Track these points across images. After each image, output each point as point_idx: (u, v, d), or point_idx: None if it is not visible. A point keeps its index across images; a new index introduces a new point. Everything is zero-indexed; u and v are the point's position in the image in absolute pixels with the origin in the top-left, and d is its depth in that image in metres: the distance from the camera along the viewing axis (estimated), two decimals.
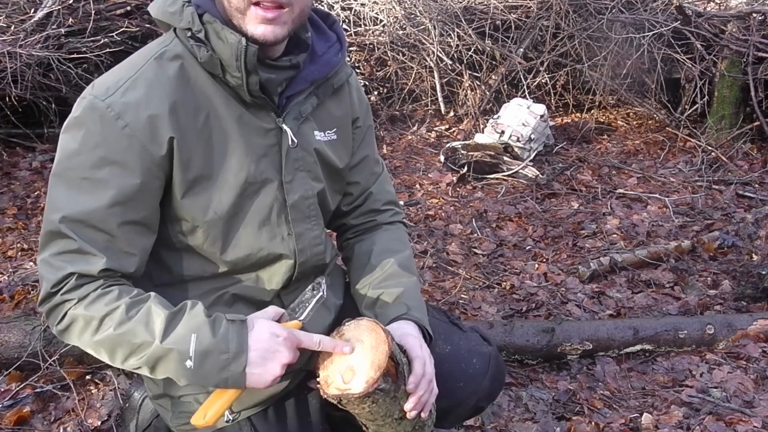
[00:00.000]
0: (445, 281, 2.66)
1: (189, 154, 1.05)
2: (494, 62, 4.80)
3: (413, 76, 4.82)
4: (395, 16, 4.77)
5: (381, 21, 4.79)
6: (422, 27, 4.72)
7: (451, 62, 4.70)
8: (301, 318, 1.13)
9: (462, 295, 2.55)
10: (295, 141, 1.14)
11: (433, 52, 4.62)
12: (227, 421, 1.15)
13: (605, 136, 4.60)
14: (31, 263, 2.59)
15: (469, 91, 4.74)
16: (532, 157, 3.97)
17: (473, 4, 4.75)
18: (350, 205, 1.37)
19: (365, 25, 4.79)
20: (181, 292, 1.17)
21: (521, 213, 3.37)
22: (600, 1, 4.46)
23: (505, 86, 4.73)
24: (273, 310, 1.10)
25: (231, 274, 1.18)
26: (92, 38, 3.41)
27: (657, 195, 3.56)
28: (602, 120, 4.87)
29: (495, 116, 4.19)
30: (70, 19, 3.37)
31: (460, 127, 4.65)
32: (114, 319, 1.01)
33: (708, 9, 4.48)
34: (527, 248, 3.01)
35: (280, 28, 1.03)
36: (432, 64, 4.69)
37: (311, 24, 1.17)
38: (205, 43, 1.03)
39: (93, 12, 3.37)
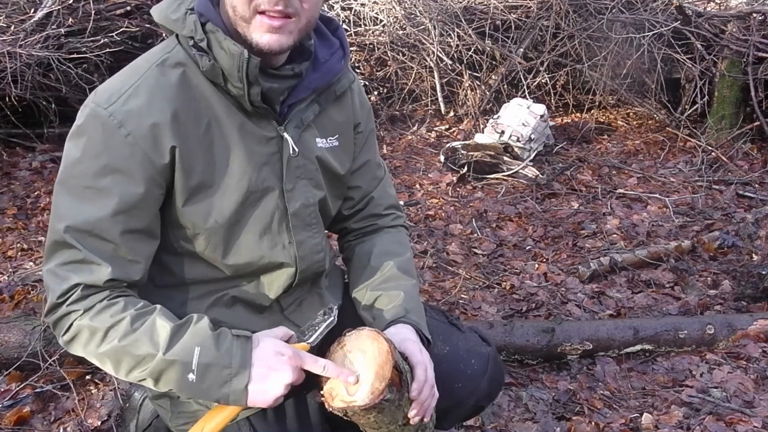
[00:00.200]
0: (445, 281, 2.66)
1: (191, 162, 1.05)
2: (494, 62, 4.80)
3: (413, 76, 4.82)
4: (395, 16, 4.77)
5: (381, 21, 4.79)
6: (422, 27, 4.72)
7: (451, 62, 4.70)
8: (309, 341, 1.12)
9: (462, 295, 2.55)
10: (296, 150, 1.14)
11: (433, 52, 4.62)
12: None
13: (605, 136, 4.60)
14: (31, 263, 2.59)
15: (469, 91, 4.74)
16: (532, 157, 3.97)
17: (473, 4, 4.75)
18: (351, 209, 1.36)
19: (365, 25, 4.79)
20: (181, 293, 1.17)
21: (521, 213, 3.37)
22: (600, 1, 4.46)
23: (505, 86, 4.73)
24: (282, 330, 1.11)
25: (232, 278, 1.18)
26: (92, 38, 3.41)
27: (657, 195, 3.56)
28: (602, 120, 4.87)
29: (495, 116, 4.18)
30: (70, 19, 3.37)
31: (460, 127, 4.65)
32: (119, 330, 1.01)
33: (708, 9, 4.48)
34: (527, 248, 3.01)
35: (285, 37, 1.02)
36: (432, 64, 4.69)
37: (314, 30, 1.16)
38: (207, 53, 1.03)
39: (93, 12, 3.37)
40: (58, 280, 1.02)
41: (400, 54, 4.79)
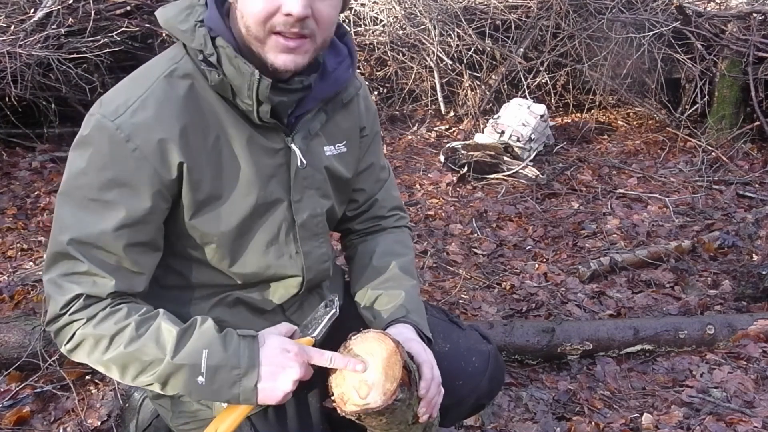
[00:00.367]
0: (445, 281, 2.66)
1: (199, 176, 1.04)
2: (494, 62, 4.80)
3: (413, 76, 4.82)
4: (395, 16, 4.77)
5: (381, 21, 4.79)
6: (422, 27, 4.72)
7: (451, 62, 4.70)
8: (314, 335, 1.12)
9: (462, 295, 2.55)
10: (304, 162, 1.13)
11: (433, 52, 4.62)
12: None
13: (605, 136, 4.60)
14: (31, 263, 2.59)
15: (469, 91, 4.74)
16: (532, 157, 3.97)
17: (473, 4, 4.75)
18: (355, 210, 1.36)
19: (365, 25, 4.79)
20: (186, 294, 1.17)
21: (521, 213, 3.37)
22: (600, 1, 4.46)
23: (505, 86, 4.73)
24: (285, 326, 1.11)
25: (239, 284, 1.17)
26: (92, 38, 3.41)
27: (657, 195, 3.56)
28: (602, 120, 4.87)
29: (495, 116, 4.18)
30: (70, 19, 3.37)
31: (460, 127, 4.65)
32: (124, 337, 1.01)
33: (708, 9, 4.48)
34: (527, 248, 3.01)
35: (301, 57, 1.01)
36: (432, 64, 4.69)
37: None
38: (216, 68, 1.01)
39: (93, 12, 3.36)
40: (60, 290, 1.02)
41: (400, 54, 4.80)
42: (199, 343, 1.03)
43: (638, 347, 2.17)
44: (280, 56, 1.00)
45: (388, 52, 4.74)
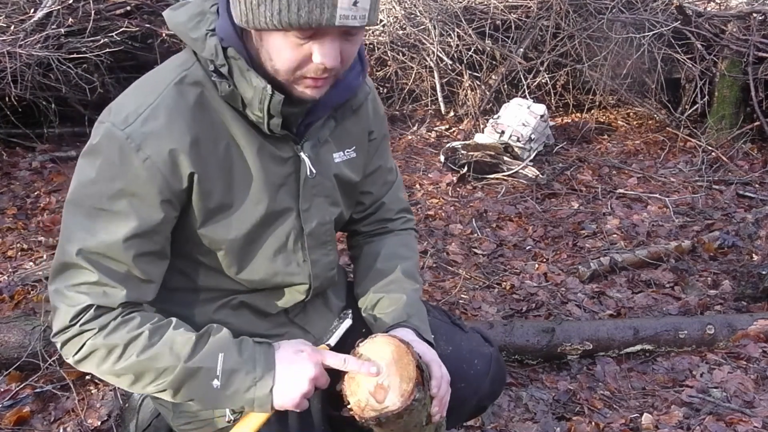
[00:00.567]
0: (445, 281, 2.66)
1: (209, 186, 1.03)
2: (494, 62, 4.80)
3: (413, 76, 4.82)
4: (395, 16, 4.78)
5: (381, 21, 4.79)
6: (422, 27, 4.72)
7: (451, 62, 4.70)
8: (328, 342, 1.14)
9: (462, 295, 2.55)
10: (314, 171, 1.12)
11: (433, 52, 4.62)
12: (228, 422, 1.15)
13: (605, 136, 4.60)
14: (31, 263, 2.59)
15: (469, 91, 4.74)
16: (532, 157, 3.97)
17: (473, 4, 4.75)
18: (362, 213, 1.35)
19: None
20: (191, 296, 1.16)
21: (521, 213, 3.37)
22: (600, 1, 4.46)
23: (505, 86, 4.73)
24: (300, 341, 1.11)
25: (246, 289, 1.17)
26: (92, 38, 3.41)
27: (657, 195, 3.56)
28: (602, 120, 4.87)
29: (495, 116, 4.18)
30: (70, 19, 3.37)
31: (460, 127, 4.65)
32: (137, 345, 1.00)
33: (708, 9, 4.48)
34: (527, 248, 3.01)
35: (327, 86, 1.01)
36: (432, 64, 4.69)
37: None
38: (227, 79, 0.99)
39: (93, 12, 3.37)
40: (68, 300, 1.00)
41: (400, 54, 4.80)
42: (215, 347, 1.03)
43: (638, 347, 2.17)
44: (307, 90, 0.99)
45: (388, 52, 4.74)
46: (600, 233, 3.14)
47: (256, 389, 1.02)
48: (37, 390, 1.87)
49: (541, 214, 3.37)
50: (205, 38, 0.99)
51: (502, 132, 4.01)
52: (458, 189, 3.67)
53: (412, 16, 4.80)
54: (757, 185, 3.71)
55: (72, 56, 3.35)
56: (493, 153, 3.82)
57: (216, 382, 1.01)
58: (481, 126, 4.47)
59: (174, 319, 1.06)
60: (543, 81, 4.71)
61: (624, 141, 4.52)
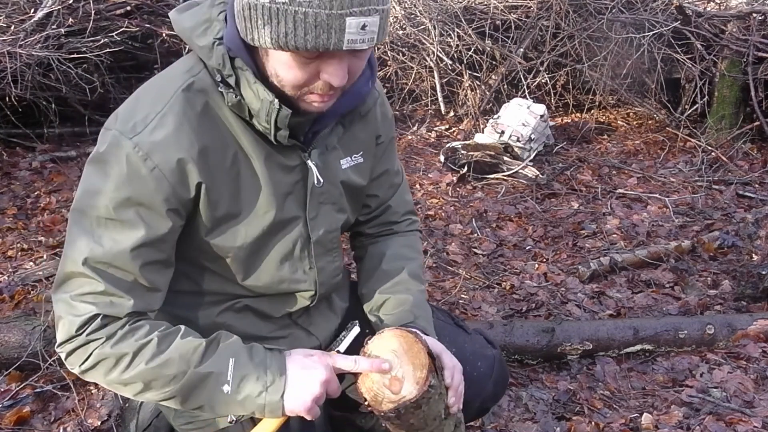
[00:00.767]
0: (445, 281, 2.66)
1: (217, 196, 1.02)
2: (494, 62, 4.80)
3: (413, 76, 4.82)
4: (395, 16, 4.77)
5: None
6: (422, 27, 4.72)
7: (451, 62, 4.70)
8: (339, 349, 1.14)
9: (462, 295, 2.55)
10: (321, 180, 1.11)
11: (433, 52, 4.62)
12: (230, 422, 1.15)
13: (605, 136, 4.60)
14: (31, 263, 2.59)
15: (469, 91, 4.74)
16: (532, 157, 3.97)
17: (473, 4, 4.75)
18: (368, 215, 1.35)
19: None
20: (196, 299, 1.16)
21: (521, 213, 3.37)
22: (600, 1, 4.46)
23: (505, 86, 4.73)
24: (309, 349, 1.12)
25: (251, 294, 1.17)
26: (92, 38, 3.41)
27: (657, 195, 3.56)
28: (602, 120, 4.87)
29: (495, 116, 4.18)
30: (70, 19, 3.37)
31: (460, 127, 4.65)
32: (146, 353, 0.99)
33: (708, 9, 4.48)
34: (527, 248, 3.01)
35: (334, 99, 1.00)
36: (432, 64, 4.70)
37: None
38: (234, 89, 0.98)
39: (93, 12, 3.37)
40: (74, 310, 0.99)
41: (400, 54, 4.79)
42: (225, 352, 1.03)
43: (638, 347, 2.17)
44: (313, 104, 0.98)
45: (388, 52, 4.74)
46: (600, 233, 3.14)
47: (267, 394, 1.01)
48: (37, 390, 1.87)
49: (541, 214, 3.37)
50: (212, 47, 0.97)
51: (502, 132, 4.01)
52: (458, 189, 3.67)
53: (412, 16, 4.80)
54: (756, 185, 3.72)
55: (72, 56, 3.35)
56: (493, 153, 3.82)
57: (226, 387, 1.01)
58: (481, 126, 4.47)
59: (182, 327, 1.05)
60: (543, 81, 4.71)
61: (624, 141, 4.52)
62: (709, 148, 4.10)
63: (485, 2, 4.69)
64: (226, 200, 1.04)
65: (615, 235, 3.11)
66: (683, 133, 4.36)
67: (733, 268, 2.78)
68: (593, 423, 1.88)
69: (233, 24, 0.96)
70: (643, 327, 2.18)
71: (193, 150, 0.98)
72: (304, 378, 1.03)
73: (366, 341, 1.09)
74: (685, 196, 3.58)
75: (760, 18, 4.15)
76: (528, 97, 4.46)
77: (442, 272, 2.74)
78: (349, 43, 0.87)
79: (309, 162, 1.09)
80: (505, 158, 3.85)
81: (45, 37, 3.23)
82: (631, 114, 4.99)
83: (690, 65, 4.24)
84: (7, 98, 3.33)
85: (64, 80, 3.49)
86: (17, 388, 1.87)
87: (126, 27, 3.55)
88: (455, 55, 4.69)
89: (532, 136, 4.00)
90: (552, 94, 4.83)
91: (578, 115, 4.88)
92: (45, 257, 2.63)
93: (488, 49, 4.68)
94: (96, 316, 0.98)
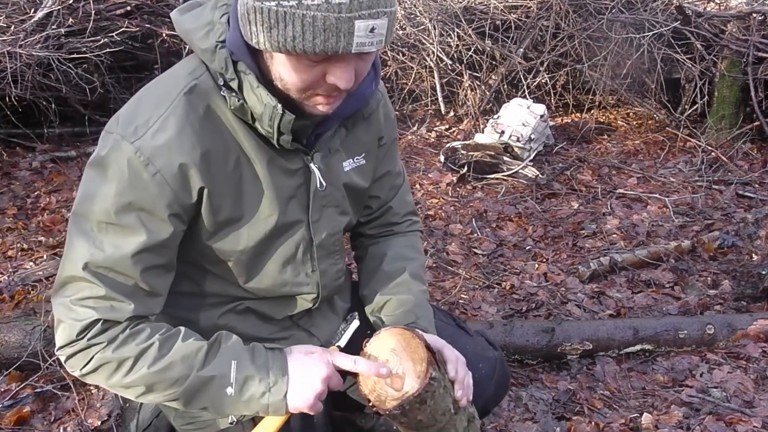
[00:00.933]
0: (445, 281, 2.66)
1: (219, 201, 1.02)
2: (494, 62, 4.80)
3: (413, 76, 4.82)
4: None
5: None
6: (422, 27, 4.72)
7: (451, 62, 4.70)
8: (338, 343, 1.15)
9: (462, 295, 2.55)
10: (324, 184, 1.11)
11: (433, 52, 4.62)
12: (231, 423, 1.15)
13: (605, 136, 4.60)
14: (31, 263, 2.59)
15: (469, 91, 4.74)
16: (532, 157, 3.97)
17: (473, 4, 4.75)
18: (368, 217, 1.34)
19: None
20: (197, 300, 1.16)
21: (521, 213, 3.37)
22: (600, 1, 4.46)
23: (505, 86, 4.73)
24: (310, 345, 1.12)
25: (253, 296, 1.17)
26: (92, 38, 3.41)
27: (657, 195, 3.56)
28: (602, 120, 4.87)
29: (495, 116, 4.19)
30: (70, 19, 3.37)
31: (460, 127, 4.65)
32: (148, 357, 0.99)
33: (708, 9, 4.48)
34: (527, 248, 3.01)
35: (339, 102, 0.99)
36: (432, 64, 4.70)
37: None
38: (237, 93, 0.97)
39: (93, 12, 3.37)
40: (74, 314, 0.98)
41: (400, 54, 4.80)
42: (227, 355, 1.03)
43: (638, 347, 2.17)
44: (318, 107, 0.98)
45: (388, 52, 4.74)
46: (600, 233, 3.14)
47: (270, 395, 1.02)
48: (38, 390, 1.87)
49: (541, 214, 3.37)
50: (214, 50, 0.96)
51: (502, 132, 4.01)
52: (458, 189, 3.67)
53: (412, 16, 4.80)
54: (756, 185, 3.72)
55: (72, 56, 3.35)
56: (493, 153, 3.82)
57: (230, 390, 1.01)
58: (481, 126, 4.47)
59: (182, 329, 1.05)
60: (543, 81, 4.71)
61: (624, 141, 4.52)
62: (709, 148, 4.10)
63: (485, 2, 4.69)
64: (229, 205, 1.03)
65: (615, 235, 3.11)
66: (683, 133, 4.36)
67: (733, 268, 2.78)
68: (593, 423, 1.88)
69: (236, 27, 0.95)
70: (643, 327, 2.18)
71: (196, 154, 0.97)
72: (306, 376, 1.03)
73: (365, 343, 1.09)
74: (685, 196, 3.58)
75: (760, 18, 4.15)
76: (528, 97, 4.46)
77: (442, 272, 2.74)
78: (358, 46, 0.86)
79: (312, 165, 1.09)
80: (505, 158, 3.86)
81: (45, 37, 3.23)
82: (631, 114, 4.99)
83: (690, 65, 4.25)
84: (7, 98, 3.33)
85: (64, 80, 3.49)
86: (17, 388, 1.87)
87: (126, 27, 3.55)
88: (455, 55, 4.69)
89: (532, 136, 4.00)
90: (552, 94, 4.83)
91: (578, 115, 4.88)
92: (45, 257, 2.63)
93: (488, 49, 4.68)
94: (97, 321, 0.98)
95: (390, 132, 1.28)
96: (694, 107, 4.33)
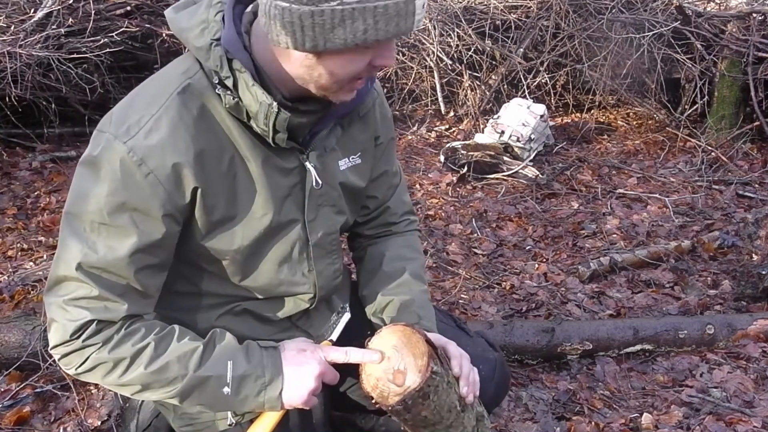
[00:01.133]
0: (445, 281, 2.66)
1: (213, 201, 1.01)
2: (494, 62, 4.80)
3: (413, 76, 4.82)
4: None
5: None
6: (422, 27, 4.71)
7: (451, 62, 4.70)
8: (330, 338, 1.15)
9: (462, 295, 2.55)
10: (320, 182, 1.11)
11: (433, 52, 4.62)
12: (230, 425, 1.16)
13: (605, 136, 4.60)
14: (31, 263, 2.60)
15: (469, 91, 4.74)
16: (532, 157, 3.97)
17: (473, 4, 4.75)
18: (366, 217, 1.34)
19: None
20: (194, 301, 1.16)
21: (521, 213, 3.37)
22: (600, 1, 4.46)
23: (505, 86, 4.73)
24: (302, 340, 1.13)
25: (249, 296, 1.17)
26: (92, 38, 3.41)
27: (657, 195, 3.56)
28: (602, 120, 4.87)
29: (495, 116, 4.19)
30: (70, 19, 3.37)
31: (460, 127, 4.65)
32: (144, 358, 0.99)
33: (708, 9, 4.48)
34: (527, 248, 3.01)
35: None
36: (432, 64, 4.69)
37: None
38: (232, 91, 0.97)
39: (93, 12, 3.37)
40: (67, 314, 0.98)
41: (400, 54, 4.79)
42: (223, 355, 1.03)
43: (638, 347, 2.17)
44: (348, 95, 1.00)
45: None
46: (600, 233, 3.14)
47: (266, 393, 1.04)
48: (37, 390, 1.87)
49: (541, 214, 3.37)
50: (209, 48, 0.96)
51: (502, 132, 4.01)
52: (458, 189, 3.67)
53: None
54: (756, 185, 3.72)
55: (72, 56, 3.35)
56: (493, 153, 3.82)
57: (226, 389, 1.02)
58: (481, 126, 4.47)
59: (177, 327, 1.05)
60: (543, 81, 4.71)
61: (624, 141, 4.52)
62: (709, 148, 4.10)
63: (485, 2, 4.69)
64: (223, 204, 1.03)
65: (615, 235, 3.11)
66: (683, 133, 4.36)
67: (733, 268, 2.78)
68: (593, 423, 1.88)
69: (231, 25, 0.95)
70: (643, 327, 2.18)
71: (189, 154, 0.96)
72: (300, 374, 1.05)
73: (366, 343, 1.10)
74: (685, 196, 3.58)
75: (760, 18, 4.15)
76: (528, 97, 4.46)
77: (442, 272, 2.74)
78: (417, 23, 0.91)
79: (307, 164, 1.09)
80: (505, 158, 3.86)
81: (45, 37, 3.23)
82: (631, 114, 4.99)
83: (690, 65, 4.25)
84: (7, 98, 3.33)
85: (64, 80, 3.48)
86: (17, 388, 1.87)
87: (126, 27, 3.55)
88: (455, 55, 4.69)
89: (532, 136, 4.00)
90: (552, 94, 4.83)
91: (578, 115, 4.88)
92: (45, 257, 2.63)
93: (488, 49, 4.68)
94: (91, 321, 0.98)
95: (387, 131, 1.27)
96: (694, 107, 4.33)
